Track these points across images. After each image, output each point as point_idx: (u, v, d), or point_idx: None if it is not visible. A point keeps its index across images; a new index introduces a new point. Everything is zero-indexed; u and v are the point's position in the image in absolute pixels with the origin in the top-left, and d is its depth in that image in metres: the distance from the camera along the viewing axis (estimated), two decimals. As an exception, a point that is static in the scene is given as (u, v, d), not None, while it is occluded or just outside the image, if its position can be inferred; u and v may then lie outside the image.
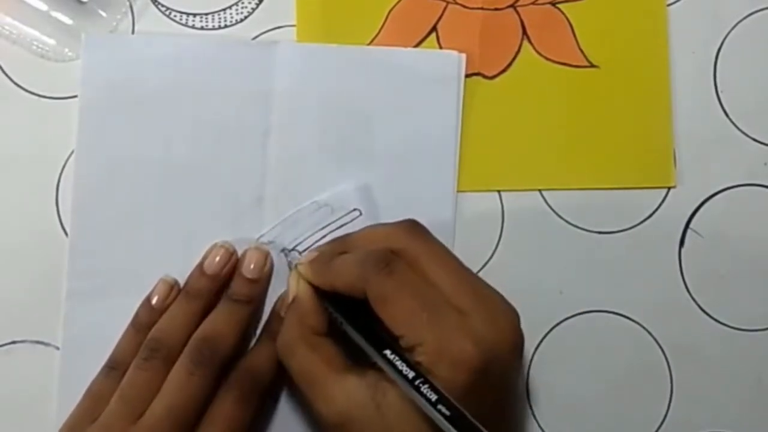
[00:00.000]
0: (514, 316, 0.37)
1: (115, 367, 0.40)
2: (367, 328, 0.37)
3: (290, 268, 0.42)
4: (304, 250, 0.42)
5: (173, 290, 0.41)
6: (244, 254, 0.42)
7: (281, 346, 0.39)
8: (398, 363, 0.34)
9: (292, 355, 0.38)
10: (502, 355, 0.36)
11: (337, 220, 0.42)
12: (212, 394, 0.39)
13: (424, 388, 0.33)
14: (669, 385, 0.46)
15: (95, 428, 0.38)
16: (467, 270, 0.38)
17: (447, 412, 0.32)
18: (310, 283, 0.39)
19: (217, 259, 0.41)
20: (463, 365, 0.34)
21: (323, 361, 0.37)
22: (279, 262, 0.43)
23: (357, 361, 0.37)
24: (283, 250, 0.43)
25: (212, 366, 0.39)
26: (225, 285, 0.42)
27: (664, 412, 0.46)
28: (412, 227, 0.39)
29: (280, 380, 0.42)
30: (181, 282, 0.42)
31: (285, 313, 0.40)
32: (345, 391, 0.35)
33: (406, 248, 0.37)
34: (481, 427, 0.32)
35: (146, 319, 0.41)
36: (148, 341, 0.40)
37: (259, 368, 0.40)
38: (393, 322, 0.35)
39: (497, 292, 0.38)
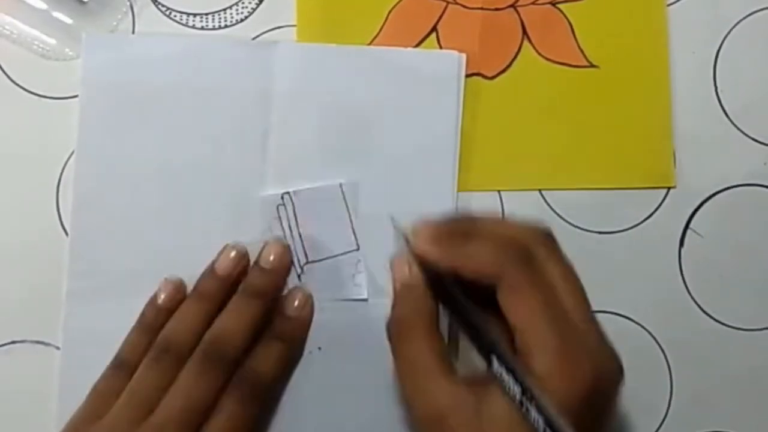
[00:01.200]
0: (617, 354, 0.36)
1: (120, 367, 0.40)
2: (479, 329, 0.35)
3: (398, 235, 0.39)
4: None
5: (179, 290, 0.41)
6: (265, 245, 0.42)
7: (397, 326, 0.37)
8: (505, 376, 0.33)
9: (407, 340, 0.36)
10: (611, 385, 0.35)
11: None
12: (221, 394, 0.39)
13: (532, 407, 0.32)
14: (669, 385, 0.46)
15: (102, 427, 0.38)
16: (585, 292, 0.37)
17: None
18: (420, 264, 0.37)
19: (230, 259, 0.41)
20: (578, 381, 0.33)
21: (437, 356, 0.35)
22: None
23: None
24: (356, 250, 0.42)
25: (222, 367, 0.39)
26: (236, 287, 0.41)
27: (664, 412, 0.46)
28: (548, 234, 0.37)
29: (285, 381, 0.42)
30: (188, 282, 0.42)
31: (398, 295, 0.38)
32: (451, 390, 0.34)
33: (539, 252, 0.36)
34: None
35: (152, 318, 0.41)
36: (159, 341, 0.40)
37: (263, 368, 0.40)
38: (518, 314, 0.34)
39: None
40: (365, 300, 0.43)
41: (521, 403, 0.32)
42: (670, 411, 0.46)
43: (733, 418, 0.46)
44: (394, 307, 0.38)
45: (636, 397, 0.45)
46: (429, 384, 0.35)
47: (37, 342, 0.43)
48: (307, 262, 0.43)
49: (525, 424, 0.32)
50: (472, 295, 0.36)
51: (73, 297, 0.42)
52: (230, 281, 0.41)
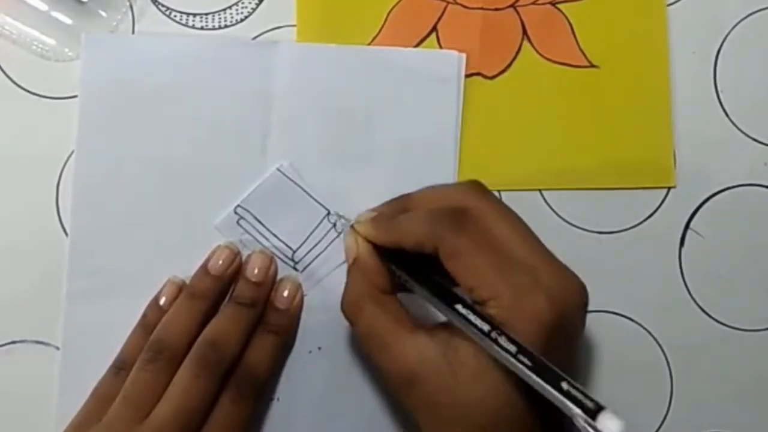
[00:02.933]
0: (576, 275, 0.37)
1: (122, 368, 0.40)
2: (434, 285, 0.36)
3: (337, 232, 0.42)
4: (341, 217, 0.43)
5: (181, 291, 0.42)
6: (248, 258, 0.42)
7: (348, 305, 0.38)
8: (472, 317, 0.34)
9: (360, 313, 0.37)
10: (572, 312, 0.36)
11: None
12: (217, 395, 0.39)
13: (502, 340, 0.33)
14: (669, 385, 0.46)
15: (99, 428, 0.38)
16: (530, 230, 0.38)
17: (529, 363, 0.32)
18: (370, 243, 0.39)
19: (222, 259, 0.41)
20: (537, 320, 0.34)
21: (393, 318, 0.36)
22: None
23: (421, 321, 0.37)
24: (329, 215, 0.43)
25: (217, 369, 0.39)
26: (228, 286, 0.42)
27: (664, 412, 0.46)
28: (477, 186, 0.39)
29: (280, 379, 0.42)
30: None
31: (348, 273, 0.39)
32: (416, 348, 0.35)
33: (473, 206, 0.37)
34: (564, 375, 0.31)
35: (154, 320, 0.41)
36: (152, 343, 0.40)
37: (255, 365, 0.40)
38: (466, 276, 0.35)
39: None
40: None
41: (491, 336, 0.33)
42: (670, 411, 0.46)
43: (733, 418, 0.46)
44: (345, 286, 0.39)
45: (636, 397, 0.45)
46: (395, 348, 0.36)
47: (37, 342, 0.43)
48: (294, 251, 0.43)
49: (494, 362, 0.33)
50: (428, 262, 0.36)
51: (73, 297, 0.42)
52: (223, 280, 0.41)
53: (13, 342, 0.43)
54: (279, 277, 0.43)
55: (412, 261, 0.37)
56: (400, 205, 0.40)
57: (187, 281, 0.42)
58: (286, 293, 0.42)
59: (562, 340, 0.35)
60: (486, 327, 0.33)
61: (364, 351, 0.39)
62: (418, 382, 0.35)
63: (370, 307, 0.37)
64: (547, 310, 0.34)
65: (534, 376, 0.32)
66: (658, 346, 0.46)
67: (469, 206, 0.37)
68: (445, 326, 0.36)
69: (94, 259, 0.42)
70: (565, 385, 0.31)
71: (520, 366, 0.32)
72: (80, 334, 0.42)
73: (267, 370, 0.41)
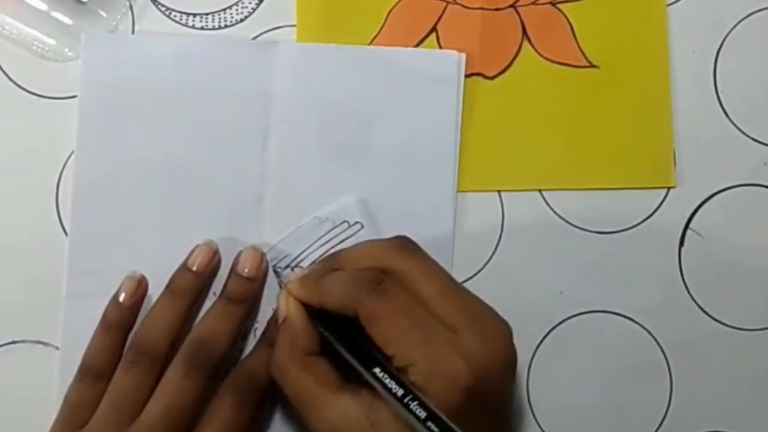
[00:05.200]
0: (506, 331, 0.37)
1: (88, 372, 0.40)
2: (358, 347, 0.37)
3: (281, 287, 0.42)
4: (313, 262, 0.42)
5: (140, 286, 0.41)
6: (239, 254, 0.42)
7: (274, 367, 0.38)
8: (387, 381, 0.34)
9: (286, 375, 0.38)
10: (495, 372, 0.36)
11: (339, 234, 0.42)
12: (206, 394, 0.39)
13: (413, 405, 0.33)
14: (669, 385, 0.46)
15: None
16: (459, 286, 0.38)
17: (436, 429, 0.32)
18: (301, 302, 0.39)
19: (203, 256, 0.41)
20: (455, 383, 0.34)
21: (316, 381, 0.37)
22: (272, 277, 0.43)
23: (350, 380, 0.37)
24: (275, 269, 0.43)
25: (207, 368, 0.39)
26: (207, 284, 0.42)
27: (664, 412, 0.46)
28: (403, 244, 0.39)
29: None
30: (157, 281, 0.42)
31: (278, 333, 0.39)
32: (339, 409, 0.36)
33: (396, 266, 0.37)
34: None
35: (116, 318, 0.41)
36: (135, 343, 0.40)
37: (257, 373, 0.40)
38: (384, 342, 0.36)
39: (489, 308, 0.38)
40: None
41: (403, 401, 0.33)
42: (670, 411, 0.46)
43: (733, 418, 0.46)
44: (275, 348, 0.39)
45: (636, 397, 0.45)
46: (318, 411, 0.36)
47: (37, 342, 0.43)
48: (294, 257, 0.43)
49: (410, 427, 0.34)
50: (354, 324, 0.37)
51: (73, 297, 0.42)
52: (203, 277, 0.41)
53: (13, 342, 0.43)
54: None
55: (340, 322, 0.37)
56: (330, 264, 0.40)
57: (149, 278, 0.42)
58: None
59: (484, 400, 0.35)
60: (400, 392, 0.34)
61: (292, 410, 0.40)
62: None
63: (295, 369, 0.37)
64: (464, 373, 0.34)
65: None
66: (658, 346, 0.46)
67: (392, 266, 0.37)
68: (371, 387, 0.36)
69: (94, 259, 0.42)
70: None
71: None
72: (80, 334, 0.41)
73: (268, 378, 0.40)
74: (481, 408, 0.35)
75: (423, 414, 0.33)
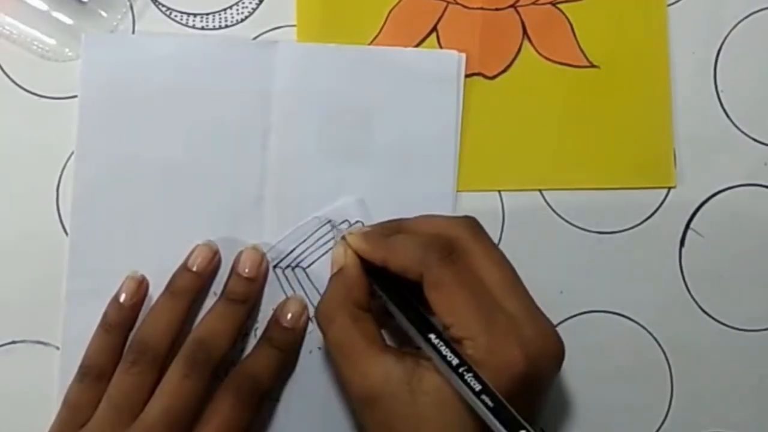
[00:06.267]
0: (557, 336, 0.37)
1: (88, 373, 0.40)
2: (412, 311, 0.36)
3: (336, 239, 0.42)
4: (313, 262, 0.43)
5: (141, 286, 0.41)
6: (239, 254, 0.42)
7: (321, 313, 0.38)
8: (443, 348, 0.34)
9: (331, 323, 0.37)
10: (545, 367, 0.36)
11: (339, 234, 0.42)
12: (207, 394, 0.39)
13: (468, 377, 0.33)
14: (669, 385, 0.46)
15: None
16: (520, 280, 0.38)
17: (490, 403, 0.32)
18: (358, 257, 0.39)
19: (202, 256, 0.41)
20: (509, 368, 0.34)
21: (363, 335, 0.36)
22: (272, 277, 0.43)
23: (394, 345, 0.37)
24: (275, 269, 0.43)
25: (207, 368, 0.39)
26: (207, 285, 0.42)
27: (664, 412, 0.46)
28: (473, 224, 0.39)
29: (280, 383, 0.42)
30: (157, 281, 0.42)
31: (329, 282, 0.39)
32: (382, 368, 0.35)
33: (465, 245, 0.37)
34: (524, 422, 0.32)
35: (116, 318, 0.41)
36: (135, 344, 0.39)
37: (258, 374, 0.40)
38: (445, 310, 0.35)
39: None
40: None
41: (458, 371, 0.33)
42: (670, 411, 0.46)
43: (733, 418, 0.46)
44: (323, 294, 0.39)
45: (636, 397, 0.45)
46: (360, 364, 0.36)
47: (37, 342, 0.43)
48: (296, 256, 0.43)
49: (456, 397, 0.34)
50: (410, 288, 0.37)
51: (73, 297, 0.42)
52: (203, 278, 0.41)
53: (13, 342, 0.43)
54: (277, 301, 0.43)
55: (395, 284, 0.37)
56: (394, 227, 0.40)
57: (149, 278, 0.42)
58: (290, 315, 0.42)
59: (529, 394, 0.35)
60: (455, 360, 0.34)
61: (331, 359, 0.39)
62: (379, 403, 0.35)
63: (343, 318, 0.37)
64: (520, 363, 0.34)
65: (493, 418, 0.32)
66: (658, 346, 0.46)
67: (461, 244, 0.37)
68: (414, 354, 0.36)
69: (94, 259, 0.42)
70: None
71: (481, 405, 0.32)
72: (80, 334, 0.41)
73: (268, 380, 0.41)
74: (522, 398, 0.34)
75: (478, 386, 0.33)
